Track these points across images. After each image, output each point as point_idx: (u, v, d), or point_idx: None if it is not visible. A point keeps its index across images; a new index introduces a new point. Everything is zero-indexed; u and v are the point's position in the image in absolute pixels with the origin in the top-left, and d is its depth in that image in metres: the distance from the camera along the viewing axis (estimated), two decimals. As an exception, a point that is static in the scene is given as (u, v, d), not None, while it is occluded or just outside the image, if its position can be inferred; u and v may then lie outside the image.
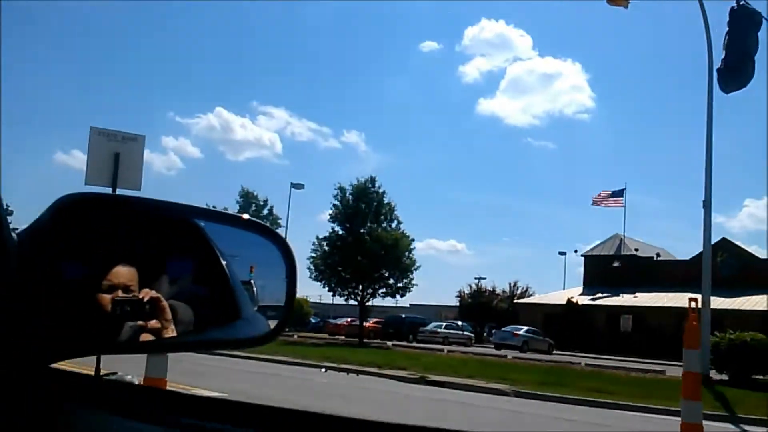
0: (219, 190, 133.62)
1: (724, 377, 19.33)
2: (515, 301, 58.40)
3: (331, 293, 29.95)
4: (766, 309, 43.61)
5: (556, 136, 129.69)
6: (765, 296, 44.93)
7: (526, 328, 43.26)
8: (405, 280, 29.05)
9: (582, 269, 58.42)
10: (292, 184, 40.40)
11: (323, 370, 17.38)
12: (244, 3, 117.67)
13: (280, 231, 40.51)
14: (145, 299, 1.13)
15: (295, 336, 39.16)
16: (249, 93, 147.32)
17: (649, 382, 17.62)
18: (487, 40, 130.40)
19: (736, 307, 44.97)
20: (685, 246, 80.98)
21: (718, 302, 45.88)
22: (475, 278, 59.63)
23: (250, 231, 1.40)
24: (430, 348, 31.55)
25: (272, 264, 1.39)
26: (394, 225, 28.79)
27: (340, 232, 28.78)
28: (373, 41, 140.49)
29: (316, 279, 29.78)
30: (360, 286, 28.18)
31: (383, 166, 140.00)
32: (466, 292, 59.39)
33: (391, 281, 28.85)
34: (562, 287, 68.53)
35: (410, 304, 60.16)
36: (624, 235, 58.48)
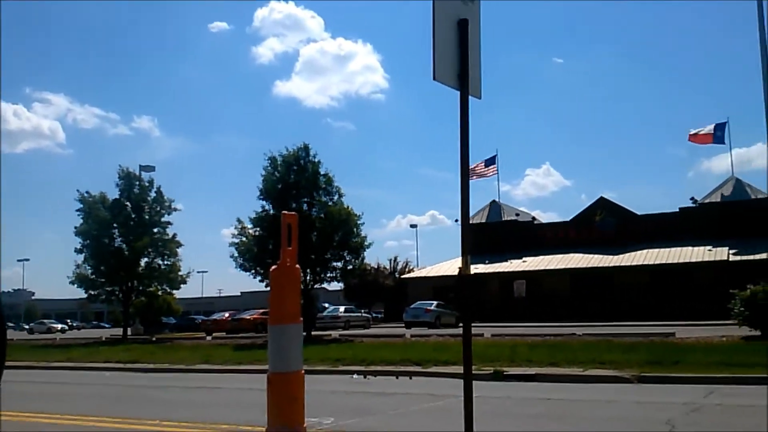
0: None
1: (756, 333, 18.14)
2: (402, 276, 56.38)
3: (263, 283, 25.49)
4: (653, 263, 45.17)
5: (354, 116, 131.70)
6: (647, 251, 46.55)
7: (435, 302, 41.23)
8: (357, 261, 25.37)
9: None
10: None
11: (357, 376, 13.60)
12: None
13: (178, 215, 34.64)
14: None
15: (209, 338, 34.00)
16: (20, 78, 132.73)
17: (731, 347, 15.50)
18: (278, 20, 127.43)
19: (626, 263, 46.11)
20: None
21: (606, 260, 47.20)
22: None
23: None
24: (368, 335, 28.31)
25: None
26: (335, 198, 24.93)
27: (272, 212, 24.40)
28: (157, 21, 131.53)
29: (242, 268, 25.22)
30: (307, 271, 24.03)
31: (180, 151, 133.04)
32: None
33: (339, 264, 25.02)
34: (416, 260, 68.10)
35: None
36: (500, 201, 58.46)
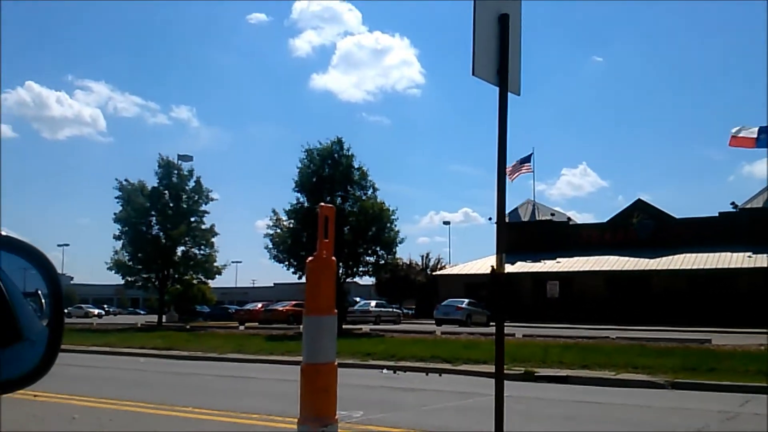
0: (37, 171, 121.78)
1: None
2: (434, 273, 56.28)
3: (296, 275, 25.73)
4: (691, 268, 44.35)
5: (389, 111, 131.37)
6: (685, 255, 45.70)
7: (467, 300, 41.10)
8: (389, 256, 25.45)
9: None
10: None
11: (387, 371, 13.65)
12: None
13: (213, 205, 35.17)
14: None
15: (242, 327, 34.38)
16: (63, 66, 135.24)
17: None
18: (315, 13, 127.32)
19: (663, 267, 45.35)
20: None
21: (643, 263, 46.47)
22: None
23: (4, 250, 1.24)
24: (398, 330, 28.31)
25: (34, 284, 1.28)
26: (369, 192, 25.04)
27: (306, 204, 24.59)
28: (197, 12, 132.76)
29: (276, 260, 25.46)
30: (339, 265, 24.18)
31: (216, 141, 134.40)
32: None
33: (372, 258, 25.12)
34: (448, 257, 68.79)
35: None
36: (535, 200, 57.98)
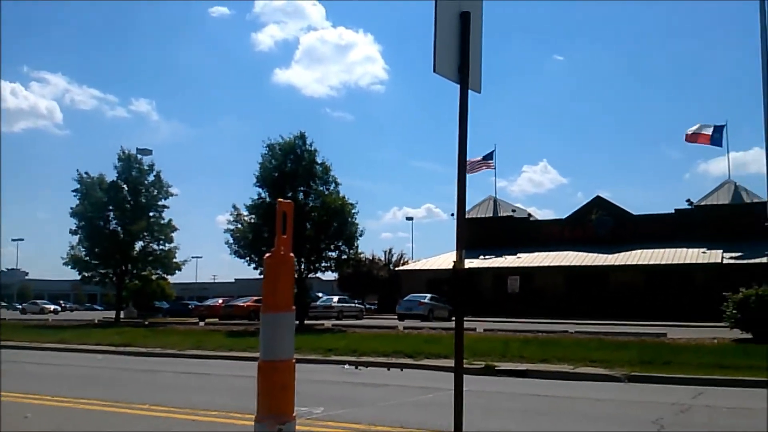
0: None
1: (747, 336, 18.18)
2: (397, 268, 56.40)
3: (257, 270, 25.48)
4: (648, 263, 45.24)
5: (353, 106, 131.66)
6: (642, 251, 46.62)
7: (429, 295, 41.32)
8: (351, 251, 25.41)
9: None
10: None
11: (349, 366, 13.63)
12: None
13: (173, 200, 34.52)
14: None
15: (202, 323, 34.00)
16: (18, 57, 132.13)
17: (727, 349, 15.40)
18: (278, 7, 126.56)
19: (621, 263, 46.18)
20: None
21: (601, 259, 47.26)
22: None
23: None
24: (360, 326, 28.30)
25: None
26: (331, 188, 24.96)
27: (268, 199, 24.41)
28: (158, 3, 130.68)
29: (237, 255, 25.25)
30: (301, 260, 24.09)
31: (177, 135, 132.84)
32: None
33: (335, 254, 25.05)
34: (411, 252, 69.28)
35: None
36: (497, 197, 58.47)
